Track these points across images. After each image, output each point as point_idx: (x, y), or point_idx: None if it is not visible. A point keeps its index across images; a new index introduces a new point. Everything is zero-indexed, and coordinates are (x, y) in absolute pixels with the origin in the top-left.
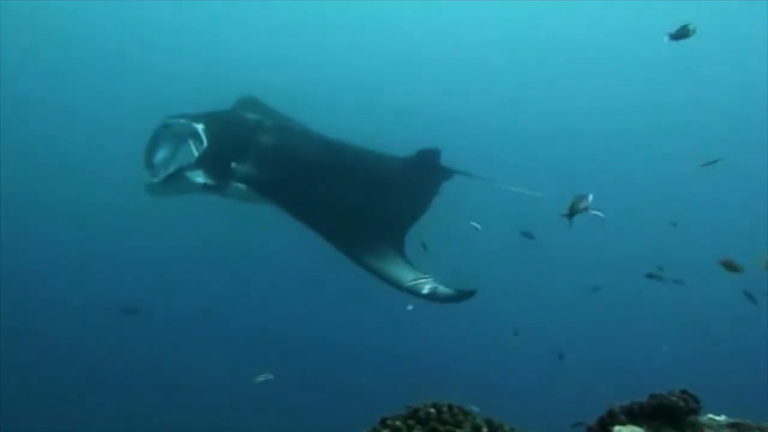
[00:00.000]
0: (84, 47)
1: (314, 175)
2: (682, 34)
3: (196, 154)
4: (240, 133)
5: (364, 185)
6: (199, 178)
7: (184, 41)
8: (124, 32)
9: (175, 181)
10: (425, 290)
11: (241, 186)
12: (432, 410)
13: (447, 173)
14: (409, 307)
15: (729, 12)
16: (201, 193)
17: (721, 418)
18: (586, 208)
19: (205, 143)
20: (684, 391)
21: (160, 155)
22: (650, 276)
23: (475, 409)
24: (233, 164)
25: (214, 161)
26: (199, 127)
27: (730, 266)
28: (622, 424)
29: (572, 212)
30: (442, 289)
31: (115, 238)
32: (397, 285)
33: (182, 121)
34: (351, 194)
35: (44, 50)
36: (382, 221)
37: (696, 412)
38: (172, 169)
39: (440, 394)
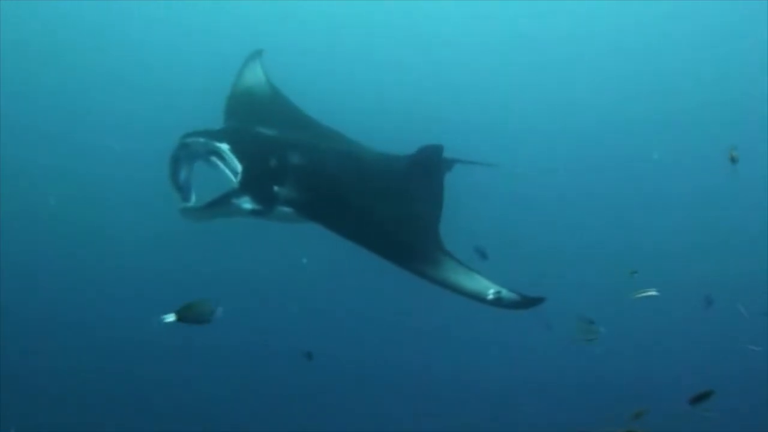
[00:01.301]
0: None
1: (354, 188)
2: None
3: (233, 178)
4: (269, 153)
5: (397, 191)
6: (247, 204)
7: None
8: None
9: (222, 206)
10: (490, 295)
11: (287, 209)
12: None
13: (449, 164)
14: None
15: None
16: (242, 217)
17: None
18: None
19: (239, 165)
20: None
21: (183, 176)
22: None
23: None
24: (275, 187)
25: (257, 185)
26: (224, 146)
27: None
28: None
29: (733, 160)
30: (507, 294)
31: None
32: (465, 293)
33: (201, 140)
34: (390, 203)
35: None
36: (424, 226)
37: None
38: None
39: None
